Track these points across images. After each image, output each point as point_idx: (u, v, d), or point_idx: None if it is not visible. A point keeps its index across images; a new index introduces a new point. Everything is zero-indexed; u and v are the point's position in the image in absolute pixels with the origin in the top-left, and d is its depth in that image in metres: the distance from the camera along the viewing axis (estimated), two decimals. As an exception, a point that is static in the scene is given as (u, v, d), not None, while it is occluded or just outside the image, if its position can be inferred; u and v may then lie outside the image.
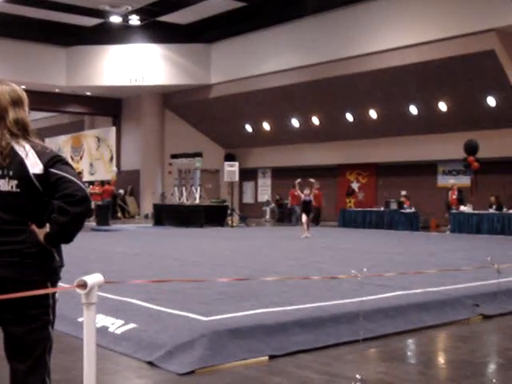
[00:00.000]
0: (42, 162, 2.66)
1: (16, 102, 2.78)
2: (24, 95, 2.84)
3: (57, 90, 28.29)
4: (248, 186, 30.85)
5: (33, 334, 2.69)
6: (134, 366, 4.86)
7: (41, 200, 2.70)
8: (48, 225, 2.65)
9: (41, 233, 2.65)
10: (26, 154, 2.67)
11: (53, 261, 2.73)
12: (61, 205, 2.60)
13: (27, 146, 2.70)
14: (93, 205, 24.76)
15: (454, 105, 20.75)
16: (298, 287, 7.47)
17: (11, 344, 2.72)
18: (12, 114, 2.74)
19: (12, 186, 2.67)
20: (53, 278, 2.75)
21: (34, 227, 2.67)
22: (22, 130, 2.74)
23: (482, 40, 18.18)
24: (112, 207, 25.38)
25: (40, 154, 2.69)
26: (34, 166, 2.66)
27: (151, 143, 29.18)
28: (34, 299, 2.64)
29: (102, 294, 5.28)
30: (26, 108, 2.82)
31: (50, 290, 2.72)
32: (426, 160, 22.90)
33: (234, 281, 7.53)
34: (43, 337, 2.73)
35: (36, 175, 2.65)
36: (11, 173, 2.67)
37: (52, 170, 2.65)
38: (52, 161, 2.68)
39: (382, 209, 22.14)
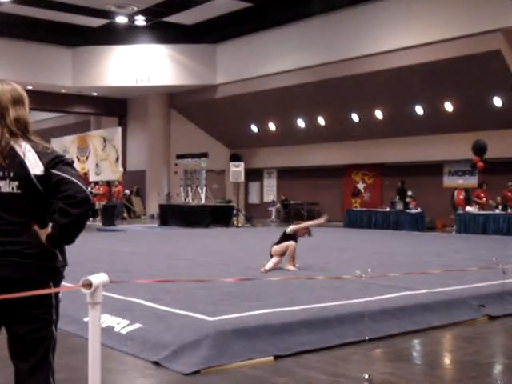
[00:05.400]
0: (42, 163, 2.64)
1: (17, 101, 2.74)
2: (25, 94, 2.80)
3: (63, 91, 28.34)
4: (253, 187, 30.81)
5: (36, 333, 2.69)
6: (139, 365, 4.87)
7: (42, 201, 2.68)
8: (50, 225, 2.63)
9: (43, 233, 2.64)
10: (25, 155, 2.64)
11: (55, 261, 2.72)
12: (62, 206, 2.58)
13: (27, 146, 2.67)
14: (98, 205, 24.88)
15: (460, 105, 20.69)
16: (303, 287, 7.46)
17: (15, 344, 2.72)
18: (13, 113, 2.70)
19: (13, 188, 2.64)
20: (55, 277, 2.74)
21: (36, 228, 2.65)
22: (23, 129, 2.71)
23: (487, 40, 18.12)
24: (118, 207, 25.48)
25: (41, 154, 2.66)
26: (35, 166, 2.63)
27: (157, 143, 29.21)
28: (36, 299, 2.63)
29: (108, 294, 5.28)
30: (27, 107, 2.79)
31: (54, 290, 2.72)
32: (431, 160, 22.84)
33: (239, 281, 7.53)
34: (46, 336, 2.73)
35: (37, 176, 2.63)
36: (12, 174, 2.64)
37: (53, 171, 2.63)
38: (53, 162, 2.65)
39: (388, 209, 22.10)
